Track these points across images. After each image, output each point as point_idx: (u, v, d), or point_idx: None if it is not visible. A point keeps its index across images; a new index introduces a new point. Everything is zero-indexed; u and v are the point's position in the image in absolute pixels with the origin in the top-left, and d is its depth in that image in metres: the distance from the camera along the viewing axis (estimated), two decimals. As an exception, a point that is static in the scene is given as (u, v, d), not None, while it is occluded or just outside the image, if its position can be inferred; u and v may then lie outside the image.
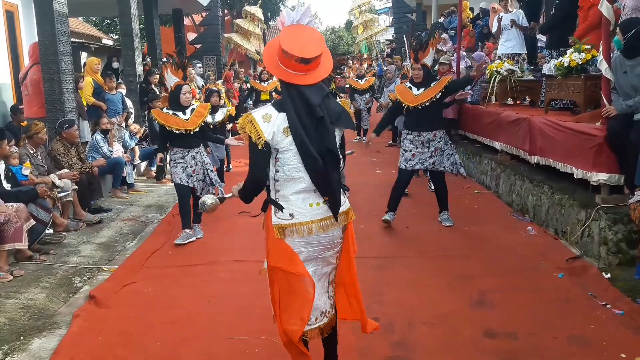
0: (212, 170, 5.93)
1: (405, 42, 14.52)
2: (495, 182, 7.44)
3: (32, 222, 5.28)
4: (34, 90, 7.54)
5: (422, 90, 5.75)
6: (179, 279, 4.89)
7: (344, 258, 2.88)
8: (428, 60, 5.82)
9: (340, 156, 2.74)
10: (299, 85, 2.60)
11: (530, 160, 6.23)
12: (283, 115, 2.62)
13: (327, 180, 2.64)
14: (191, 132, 5.62)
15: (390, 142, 11.78)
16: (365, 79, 12.89)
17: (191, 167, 5.71)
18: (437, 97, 5.70)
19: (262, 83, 12.55)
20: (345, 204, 2.78)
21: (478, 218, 6.33)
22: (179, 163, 5.70)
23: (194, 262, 5.28)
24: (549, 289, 4.34)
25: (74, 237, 6.04)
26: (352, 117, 2.82)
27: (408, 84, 5.94)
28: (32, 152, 6.38)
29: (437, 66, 9.75)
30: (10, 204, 5.16)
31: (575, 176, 5.24)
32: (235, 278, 4.83)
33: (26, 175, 5.86)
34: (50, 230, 5.87)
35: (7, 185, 5.48)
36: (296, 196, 2.67)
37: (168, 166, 6.02)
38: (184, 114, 5.66)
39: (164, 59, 5.99)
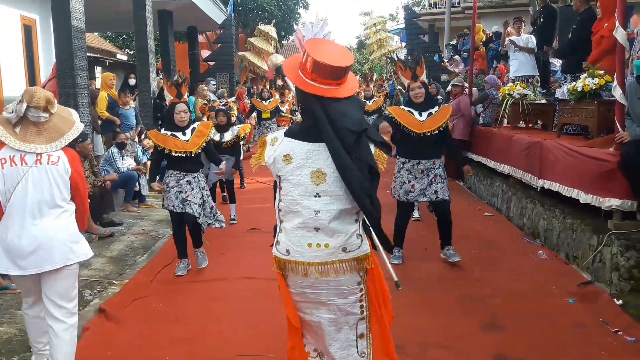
0: (210, 197, 5.52)
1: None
2: (507, 205, 7.42)
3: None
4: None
5: (425, 115, 5.26)
6: (188, 295, 4.90)
7: (373, 310, 2.54)
8: (425, 78, 5.39)
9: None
10: (330, 98, 2.38)
11: (537, 184, 6.21)
12: (287, 140, 2.44)
13: (367, 195, 2.34)
14: (192, 155, 5.15)
15: None
16: (373, 99, 12.85)
17: (185, 192, 5.22)
18: (443, 127, 5.25)
19: (263, 102, 12.42)
20: (359, 249, 2.46)
21: (489, 241, 6.30)
22: (173, 188, 5.22)
23: (204, 278, 5.29)
24: (560, 314, 4.31)
25: (85, 250, 6.07)
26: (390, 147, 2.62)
27: (406, 107, 5.40)
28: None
29: (449, 87, 9.79)
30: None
31: (581, 201, 5.23)
32: (245, 295, 4.83)
33: None
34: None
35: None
36: (295, 232, 2.43)
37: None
38: (184, 134, 5.17)
39: (162, 74, 5.85)
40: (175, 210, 5.22)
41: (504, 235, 6.57)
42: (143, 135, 9.67)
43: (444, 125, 5.25)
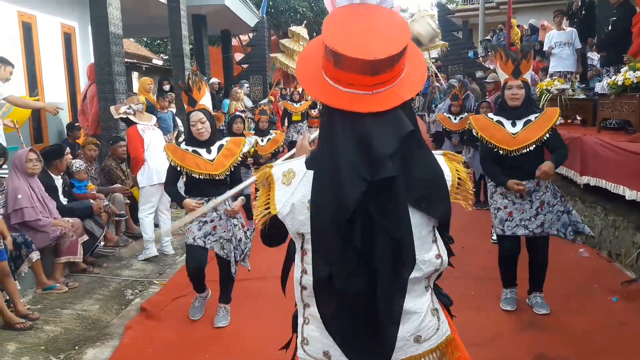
0: (240, 229, 4.32)
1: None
2: (545, 203, 7.28)
3: (86, 237, 5.48)
4: (92, 108, 7.88)
5: (520, 126, 3.98)
6: (226, 294, 4.96)
7: None
8: (528, 77, 4.06)
9: (429, 256, 1.55)
10: (356, 113, 1.40)
11: (580, 181, 6.08)
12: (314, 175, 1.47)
13: (371, 311, 1.44)
14: (216, 178, 4.10)
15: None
16: None
17: (211, 221, 4.16)
18: (547, 137, 3.94)
19: (294, 104, 11.79)
20: (439, 332, 1.59)
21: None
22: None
23: (241, 277, 5.31)
24: (603, 313, 4.21)
25: (126, 251, 6.22)
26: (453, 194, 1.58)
27: (494, 116, 4.15)
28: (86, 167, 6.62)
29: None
30: (67, 218, 5.36)
31: (627, 197, 5.09)
32: (281, 293, 4.85)
33: (84, 189, 6.09)
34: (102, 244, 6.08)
35: (64, 200, 5.71)
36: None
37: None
38: (208, 152, 4.12)
39: (190, 74, 4.33)
40: (195, 244, 4.14)
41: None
42: (181, 138, 9.82)
43: (547, 136, 3.92)
